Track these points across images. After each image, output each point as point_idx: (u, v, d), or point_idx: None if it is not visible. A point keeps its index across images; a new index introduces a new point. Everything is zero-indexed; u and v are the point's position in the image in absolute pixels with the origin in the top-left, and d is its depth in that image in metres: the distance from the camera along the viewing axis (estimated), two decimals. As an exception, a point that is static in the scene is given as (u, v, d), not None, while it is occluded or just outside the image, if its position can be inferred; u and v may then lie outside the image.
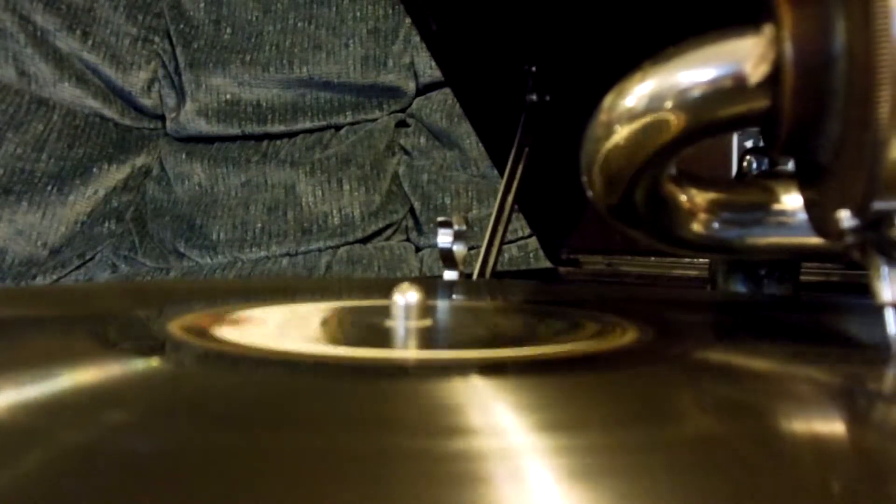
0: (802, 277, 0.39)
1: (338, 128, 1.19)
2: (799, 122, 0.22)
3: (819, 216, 0.23)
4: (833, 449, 0.14)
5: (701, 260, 0.48)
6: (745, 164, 0.36)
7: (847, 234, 0.21)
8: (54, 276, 1.16)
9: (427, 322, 0.25)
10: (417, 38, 1.09)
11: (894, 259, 0.20)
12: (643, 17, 0.45)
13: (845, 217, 0.20)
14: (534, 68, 0.52)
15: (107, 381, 0.18)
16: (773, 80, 0.22)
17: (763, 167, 0.36)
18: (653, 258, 0.53)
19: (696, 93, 0.23)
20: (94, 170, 1.23)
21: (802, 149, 0.23)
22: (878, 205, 0.20)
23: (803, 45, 0.21)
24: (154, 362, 0.21)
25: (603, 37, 0.48)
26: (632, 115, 0.24)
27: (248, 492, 0.11)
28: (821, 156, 0.22)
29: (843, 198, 0.21)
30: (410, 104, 1.16)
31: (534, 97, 0.51)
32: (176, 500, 0.11)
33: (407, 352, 0.23)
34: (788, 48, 0.21)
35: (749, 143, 0.42)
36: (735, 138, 0.45)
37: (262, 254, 1.11)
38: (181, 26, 1.26)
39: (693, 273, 0.50)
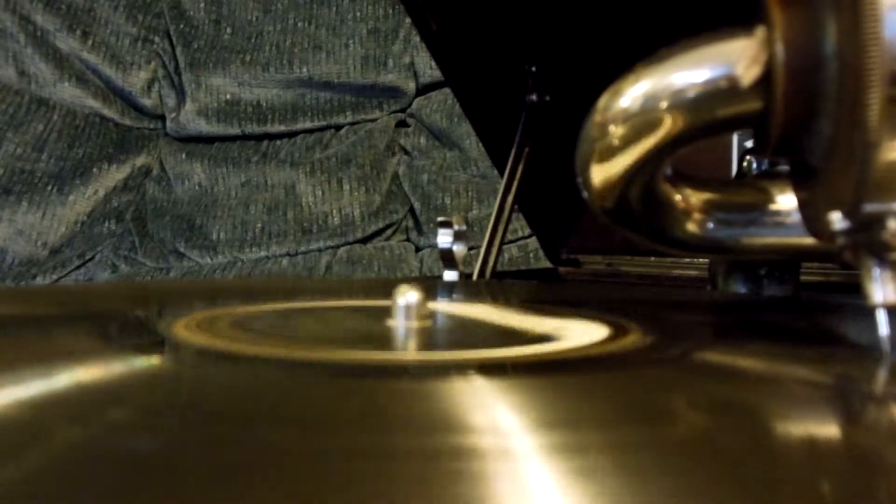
0: (802, 277, 0.39)
1: (338, 128, 1.19)
2: (790, 124, 0.22)
3: (812, 217, 0.23)
4: (825, 449, 0.14)
5: (701, 260, 0.48)
6: (745, 164, 0.36)
7: (839, 235, 0.21)
8: (54, 276, 1.16)
9: (427, 322, 0.25)
10: (417, 38, 1.09)
11: (886, 261, 0.21)
12: (643, 17, 0.45)
13: (837, 219, 0.21)
14: (534, 68, 0.52)
15: (107, 381, 0.18)
16: (765, 81, 0.22)
17: (763, 167, 0.36)
18: (653, 258, 0.53)
19: (690, 94, 0.23)
20: (94, 170, 1.23)
21: (794, 150, 0.23)
22: (869, 207, 0.20)
23: (794, 48, 0.21)
24: (154, 362, 0.21)
25: (603, 37, 0.48)
26: (626, 116, 0.24)
27: (248, 491, 0.11)
28: (812, 157, 0.22)
29: (834, 199, 0.21)
30: (410, 104, 1.16)
31: (534, 97, 0.52)
32: (175, 499, 0.11)
33: (407, 352, 0.23)
34: (780, 50, 0.21)
35: (749, 143, 0.42)
36: (735, 138, 0.45)
37: (262, 254, 1.11)
38: (181, 26, 1.26)
39: (693, 273, 0.50)
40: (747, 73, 0.22)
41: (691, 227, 0.28)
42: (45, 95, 1.25)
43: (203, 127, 1.23)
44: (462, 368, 0.19)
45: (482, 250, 0.51)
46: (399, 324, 0.24)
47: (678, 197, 0.28)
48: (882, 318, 0.21)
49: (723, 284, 0.39)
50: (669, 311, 0.33)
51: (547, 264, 0.58)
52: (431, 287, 0.38)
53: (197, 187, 1.21)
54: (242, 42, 1.22)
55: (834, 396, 0.19)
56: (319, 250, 1.09)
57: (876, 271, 0.21)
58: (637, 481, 0.12)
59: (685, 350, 0.23)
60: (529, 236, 0.91)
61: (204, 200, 1.19)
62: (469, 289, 0.43)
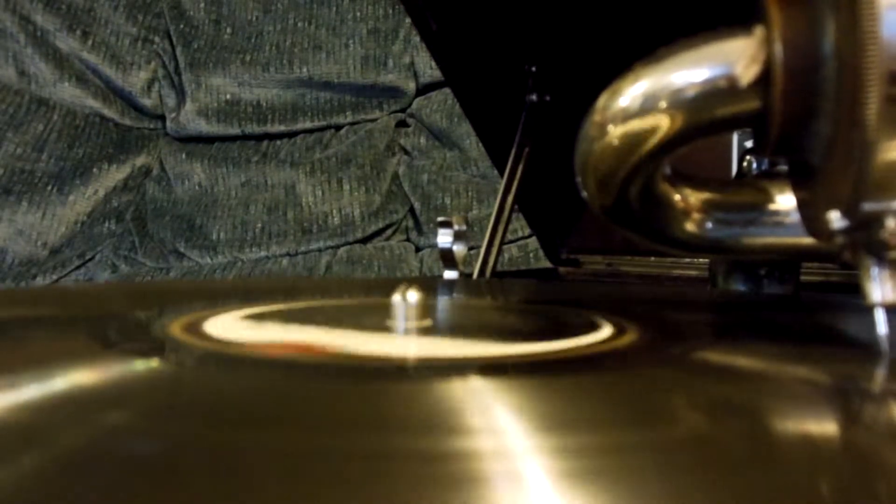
0: (802, 277, 0.39)
1: (338, 128, 1.19)
2: (789, 123, 0.22)
3: (811, 216, 0.23)
4: (824, 448, 0.14)
5: (701, 260, 0.48)
6: (745, 164, 0.36)
7: (837, 234, 0.21)
8: (54, 276, 1.16)
9: (427, 322, 0.25)
10: (417, 38, 1.09)
11: (884, 260, 0.21)
12: (643, 17, 0.45)
13: (835, 218, 0.21)
14: (534, 68, 0.52)
15: (106, 382, 0.18)
16: (763, 81, 0.22)
17: (763, 167, 0.36)
18: (653, 258, 0.53)
19: (689, 93, 0.23)
20: (94, 170, 1.23)
21: (793, 149, 0.23)
22: (867, 206, 0.20)
23: (793, 47, 0.21)
24: (154, 363, 0.21)
25: (603, 37, 0.48)
26: (625, 116, 0.24)
27: (248, 492, 0.11)
28: (811, 157, 0.22)
29: (833, 198, 0.21)
30: (410, 104, 1.16)
31: (534, 97, 0.51)
32: (175, 500, 0.11)
33: (407, 352, 0.23)
34: (778, 49, 0.21)
35: (749, 143, 0.42)
36: (735, 138, 0.45)
37: (262, 254, 1.11)
38: (181, 26, 1.26)
39: (693, 273, 0.50)
40: (746, 73, 0.22)
41: (690, 226, 0.28)
42: (45, 95, 1.25)
43: (203, 127, 1.23)
44: (462, 369, 0.19)
45: (482, 250, 0.51)
46: (399, 324, 0.24)
47: (677, 197, 0.28)
48: (880, 316, 0.21)
49: (723, 284, 0.39)
50: (669, 310, 0.33)
51: (547, 264, 0.58)
52: (431, 287, 0.38)
53: (197, 187, 1.21)
54: (242, 42, 1.22)
55: (833, 396, 0.19)
56: (319, 250, 1.09)
57: (874, 270, 0.21)
58: (637, 482, 0.12)
59: (685, 350, 0.23)
60: (529, 236, 0.91)
61: (204, 200, 1.19)
62: (469, 289, 0.43)
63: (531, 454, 0.13)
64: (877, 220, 0.20)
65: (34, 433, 0.14)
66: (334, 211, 1.11)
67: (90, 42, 1.25)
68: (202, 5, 1.26)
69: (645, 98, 0.23)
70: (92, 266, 1.18)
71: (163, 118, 1.28)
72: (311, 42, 1.19)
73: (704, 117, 0.23)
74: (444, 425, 0.15)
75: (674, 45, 0.23)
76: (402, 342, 0.23)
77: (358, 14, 1.18)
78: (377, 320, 0.25)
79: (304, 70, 1.17)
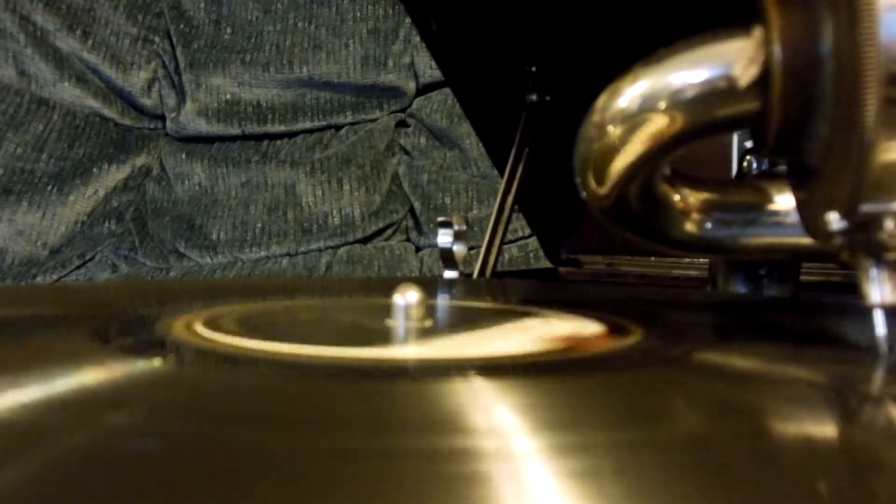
0: (802, 277, 0.39)
1: (338, 128, 1.19)
2: (787, 124, 0.22)
3: (810, 217, 0.23)
4: (823, 449, 0.14)
5: (701, 260, 0.48)
6: (745, 164, 0.36)
7: (836, 235, 0.21)
8: (54, 276, 1.16)
9: (427, 322, 0.25)
10: (417, 38, 1.09)
11: (883, 261, 0.21)
12: (643, 17, 0.45)
13: (834, 219, 0.21)
14: (534, 68, 0.52)
15: (107, 381, 0.18)
16: (762, 82, 0.22)
17: (763, 167, 0.36)
18: (653, 258, 0.53)
19: (688, 94, 0.23)
20: (94, 170, 1.23)
21: (792, 150, 0.23)
22: (866, 207, 0.20)
23: (791, 48, 0.21)
24: (154, 362, 0.21)
25: (603, 37, 0.48)
26: (625, 116, 0.24)
27: (248, 492, 0.11)
28: (810, 158, 0.22)
29: (831, 199, 0.21)
30: (410, 104, 1.16)
31: (534, 97, 0.52)
32: (176, 499, 0.11)
33: (407, 352, 0.23)
34: (777, 50, 0.21)
35: (749, 143, 0.42)
36: (735, 138, 0.45)
37: (262, 254, 1.11)
38: (181, 26, 1.26)
39: (693, 273, 0.50)
40: (745, 74, 0.22)
41: (689, 227, 0.28)
42: (45, 95, 1.25)
43: (203, 127, 1.23)
44: (462, 368, 0.19)
45: (482, 250, 0.51)
46: (399, 323, 0.24)
47: (676, 197, 0.28)
48: (879, 317, 0.21)
49: (723, 284, 0.39)
50: (669, 311, 0.33)
51: (547, 264, 0.58)
52: (431, 287, 0.38)
53: (197, 187, 1.21)
54: (242, 42, 1.22)
55: (832, 396, 0.19)
56: (319, 250, 1.09)
57: (873, 271, 0.21)
58: (637, 482, 0.12)
59: (685, 350, 0.23)
60: (529, 236, 0.91)
61: (204, 200, 1.19)
62: (469, 288, 0.43)
63: (532, 453, 0.13)
64: (875, 221, 0.20)
65: (35, 432, 0.14)
66: (334, 211, 1.11)
67: (90, 42, 1.25)
68: (202, 5, 1.26)
69: (644, 99, 0.23)
70: (92, 266, 1.18)
71: (163, 118, 1.28)
72: (311, 42, 1.19)
73: (703, 118, 0.23)
74: (444, 425, 0.15)
75: (673, 46, 0.23)
76: (402, 342, 0.23)
77: (358, 14, 1.18)
78: (377, 320, 0.25)
79: (304, 70, 1.17)
